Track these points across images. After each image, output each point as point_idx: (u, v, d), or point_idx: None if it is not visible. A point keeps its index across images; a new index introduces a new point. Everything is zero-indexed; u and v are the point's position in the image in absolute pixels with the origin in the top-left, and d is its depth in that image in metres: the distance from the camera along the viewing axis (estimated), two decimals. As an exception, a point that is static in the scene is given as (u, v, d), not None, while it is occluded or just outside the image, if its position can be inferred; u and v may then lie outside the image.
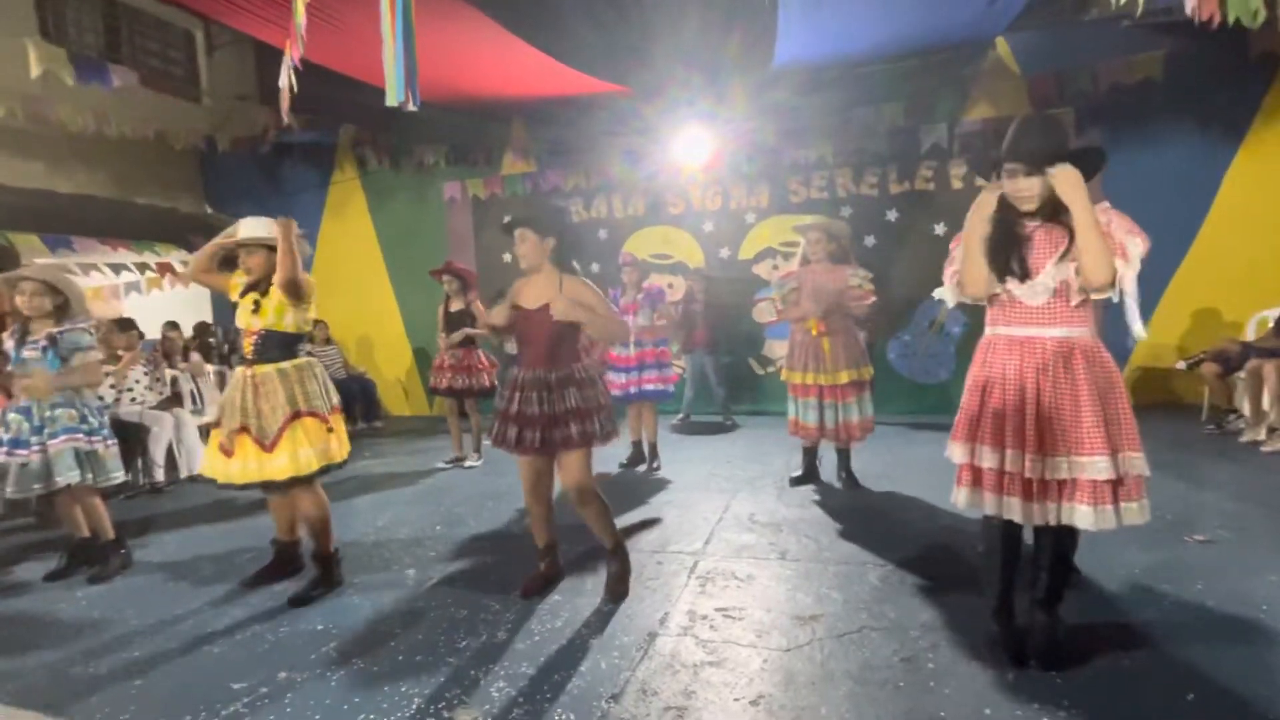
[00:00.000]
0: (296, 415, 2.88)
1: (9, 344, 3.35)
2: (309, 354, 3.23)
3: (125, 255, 6.95)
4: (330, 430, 2.98)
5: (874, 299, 4.05)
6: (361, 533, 3.88)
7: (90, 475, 3.30)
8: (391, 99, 2.78)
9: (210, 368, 6.57)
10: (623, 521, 3.81)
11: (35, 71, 5.26)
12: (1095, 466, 1.98)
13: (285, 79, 3.32)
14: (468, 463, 5.39)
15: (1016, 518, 2.07)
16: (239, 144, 7.82)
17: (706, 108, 6.59)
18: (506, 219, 2.83)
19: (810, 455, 4.37)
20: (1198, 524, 3.27)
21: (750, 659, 2.30)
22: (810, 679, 2.17)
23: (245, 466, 2.85)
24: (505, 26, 5.03)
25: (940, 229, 6.28)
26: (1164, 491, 3.80)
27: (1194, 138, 5.80)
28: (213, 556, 3.55)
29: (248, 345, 2.96)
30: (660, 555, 3.28)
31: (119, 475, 3.44)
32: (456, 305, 5.35)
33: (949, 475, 2.24)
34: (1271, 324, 5.14)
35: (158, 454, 5.16)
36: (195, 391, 6.10)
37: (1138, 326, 2.05)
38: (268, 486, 2.97)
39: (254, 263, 2.98)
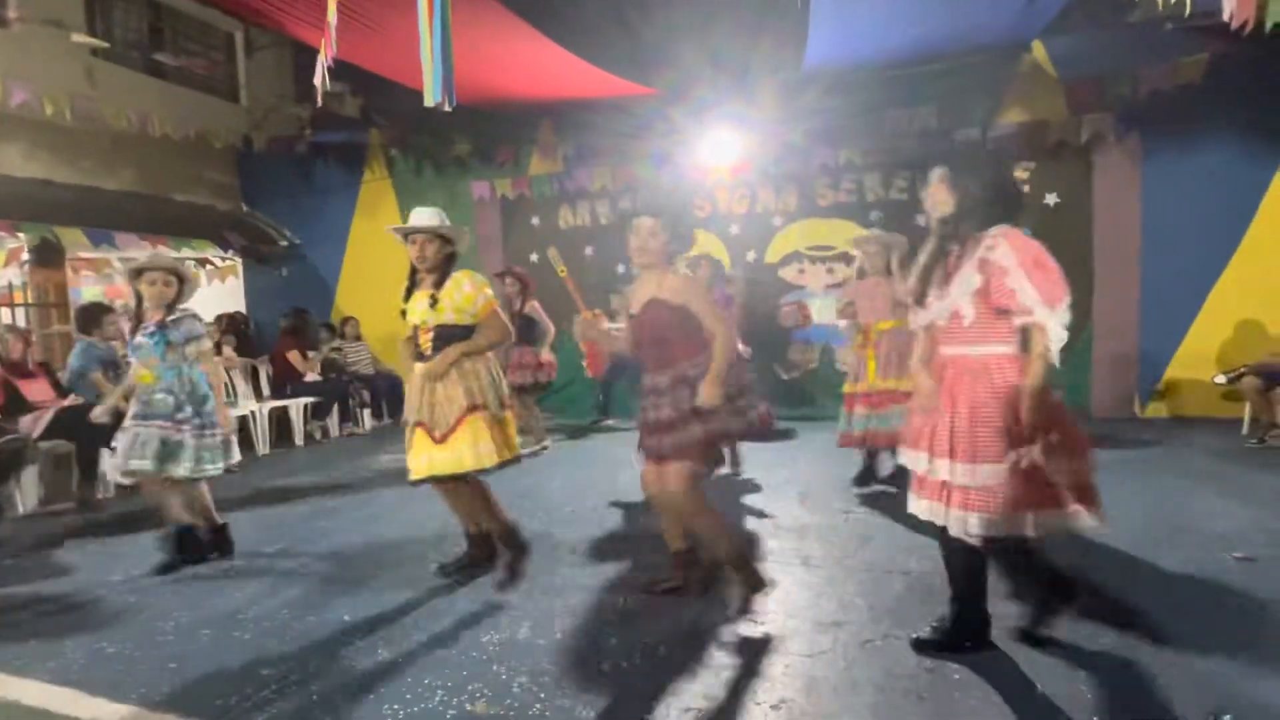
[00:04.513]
0: (473, 409, 2.83)
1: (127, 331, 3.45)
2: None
3: (164, 251, 7.14)
4: (501, 425, 2.94)
5: None
6: (388, 527, 3.94)
7: (166, 466, 3.24)
8: (429, 99, 2.83)
9: (240, 361, 6.73)
10: (644, 523, 3.81)
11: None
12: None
13: (319, 77, 3.40)
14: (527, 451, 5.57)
15: None
16: (275, 144, 7.99)
17: (735, 109, 6.56)
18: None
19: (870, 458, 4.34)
20: (1239, 541, 3.17)
21: (772, 664, 2.29)
22: (832, 686, 2.15)
23: (417, 462, 2.87)
24: (535, 26, 5.08)
25: (971, 234, 6.18)
26: (1205, 506, 3.71)
27: (1238, 144, 5.64)
28: (244, 546, 3.62)
29: (425, 341, 2.90)
30: (682, 557, 3.27)
31: (203, 468, 3.33)
32: (513, 307, 5.43)
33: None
34: (1318, 336, 4.98)
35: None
36: (229, 385, 6.25)
37: None
38: (439, 480, 2.93)
39: (430, 251, 2.89)
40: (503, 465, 2.91)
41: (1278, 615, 2.47)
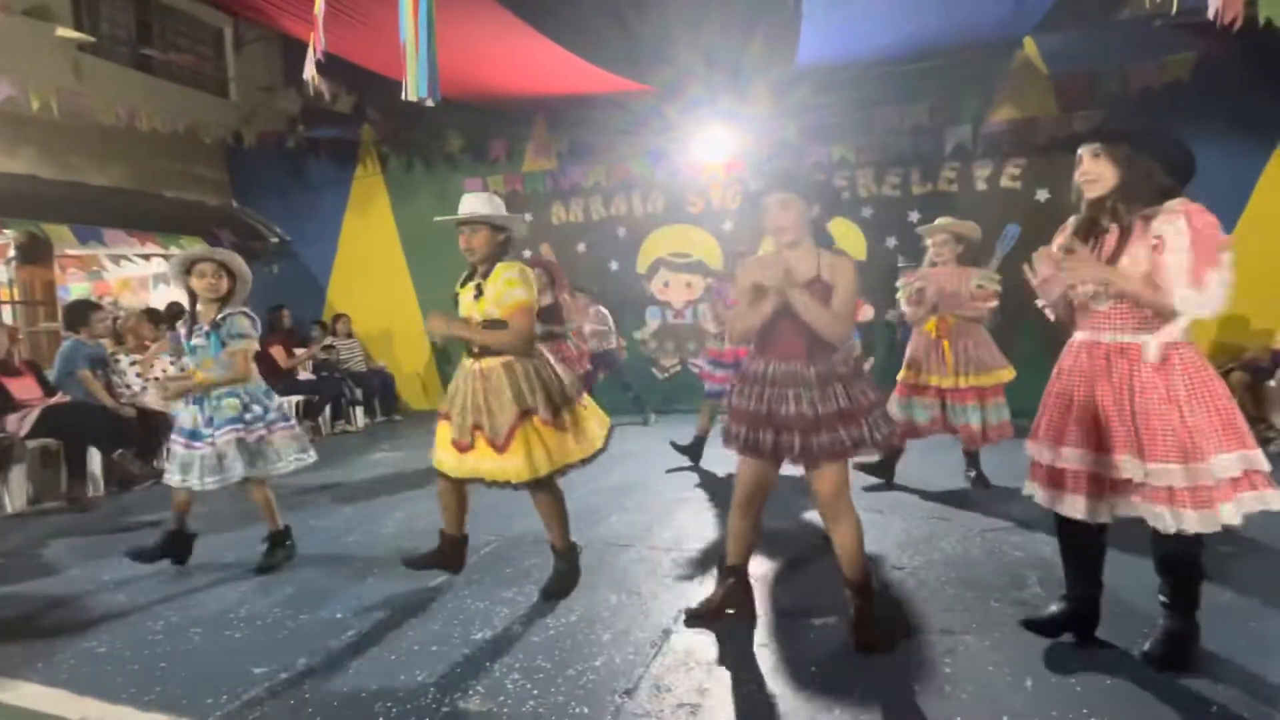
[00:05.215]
0: (526, 413, 2.64)
1: (182, 332, 3.24)
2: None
3: (152, 248, 7.09)
4: (564, 428, 2.71)
5: (995, 302, 3.91)
6: (380, 525, 3.93)
7: (259, 466, 3.17)
8: (413, 93, 2.81)
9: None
10: (638, 519, 3.82)
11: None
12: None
13: (309, 71, 3.38)
14: None
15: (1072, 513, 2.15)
16: (265, 139, 7.94)
17: (728, 106, 6.57)
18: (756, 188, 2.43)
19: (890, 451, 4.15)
20: (1225, 534, 3.19)
21: (764, 658, 2.30)
22: (825, 679, 2.16)
23: (480, 464, 2.69)
24: (529, 23, 5.06)
25: (963, 231, 6.21)
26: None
27: (1226, 142, 5.66)
28: (235, 544, 3.60)
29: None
30: (675, 553, 3.29)
31: (296, 459, 3.27)
32: (544, 300, 5.38)
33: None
34: (1304, 332, 5.03)
35: (182, 442, 5.25)
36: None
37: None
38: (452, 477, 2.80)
39: (477, 242, 2.72)
40: (562, 470, 2.72)
41: (1264, 607, 2.50)
